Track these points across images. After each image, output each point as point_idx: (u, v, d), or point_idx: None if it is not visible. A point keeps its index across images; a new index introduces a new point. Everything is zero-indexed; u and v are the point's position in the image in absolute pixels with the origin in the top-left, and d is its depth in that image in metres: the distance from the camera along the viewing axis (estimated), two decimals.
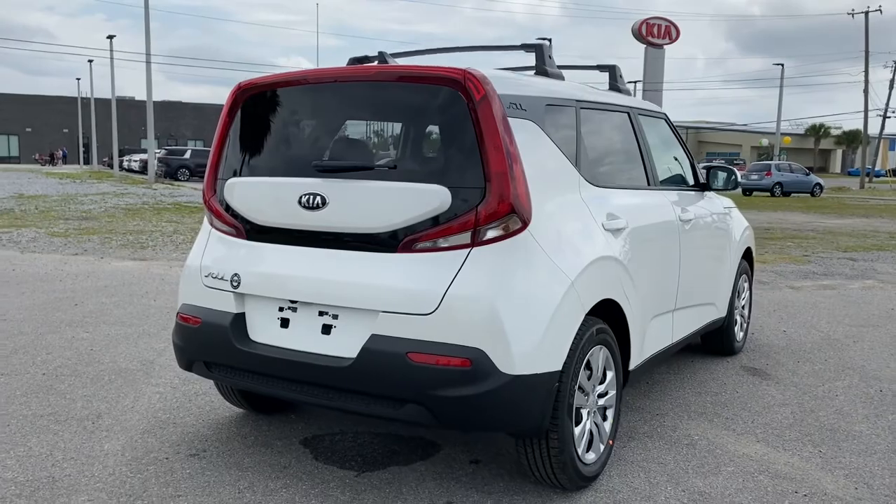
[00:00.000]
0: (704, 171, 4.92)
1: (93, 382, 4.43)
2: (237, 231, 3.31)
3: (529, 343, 2.76)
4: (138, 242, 11.18)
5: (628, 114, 4.07)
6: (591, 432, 3.20)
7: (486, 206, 2.79)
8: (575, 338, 2.95)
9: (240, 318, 3.20)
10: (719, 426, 3.96)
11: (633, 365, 3.55)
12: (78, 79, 41.37)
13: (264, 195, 3.23)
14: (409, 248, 2.86)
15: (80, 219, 14.74)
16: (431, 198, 2.83)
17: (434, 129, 3.18)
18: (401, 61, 3.43)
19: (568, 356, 2.91)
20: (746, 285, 5.64)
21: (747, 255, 5.58)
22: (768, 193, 32.77)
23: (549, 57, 3.58)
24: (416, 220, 2.85)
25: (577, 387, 3.01)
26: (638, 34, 24.19)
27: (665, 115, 4.74)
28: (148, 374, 4.61)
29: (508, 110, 2.92)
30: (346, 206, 2.98)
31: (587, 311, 3.02)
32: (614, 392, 3.36)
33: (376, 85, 3.13)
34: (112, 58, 38.99)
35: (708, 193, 5.00)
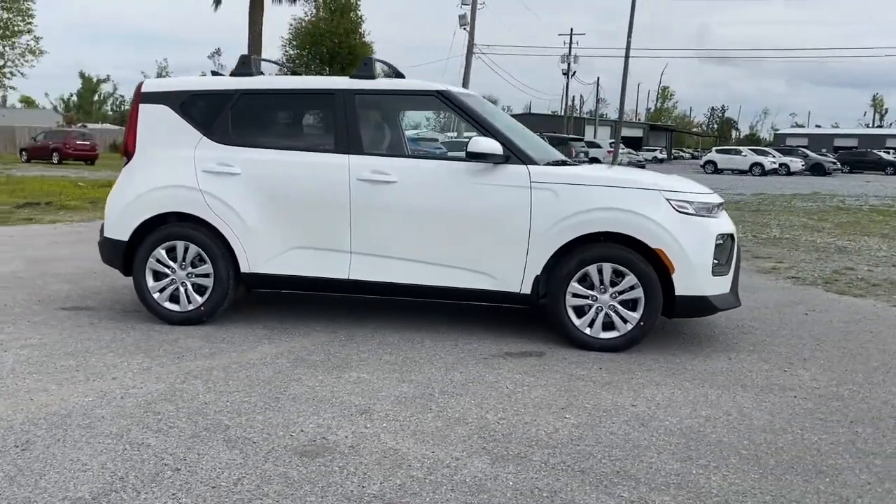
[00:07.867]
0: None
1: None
2: None
3: (110, 221, 5.43)
4: None
5: (334, 95, 5.14)
6: (180, 292, 5.29)
7: (124, 149, 5.34)
8: (140, 226, 5.23)
9: None
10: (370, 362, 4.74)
11: (245, 270, 5.18)
12: None
13: None
14: None
15: None
16: None
17: None
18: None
19: (133, 236, 5.25)
20: (631, 279, 4.81)
21: (633, 243, 4.80)
22: None
23: (243, 64, 5.49)
24: None
25: (151, 257, 5.25)
26: None
27: (437, 93, 5.12)
28: None
29: (146, 99, 5.34)
30: None
31: (152, 215, 5.22)
32: (211, 277, 5.23)
33: None
34: None
35: (515, 169, 4.88)
